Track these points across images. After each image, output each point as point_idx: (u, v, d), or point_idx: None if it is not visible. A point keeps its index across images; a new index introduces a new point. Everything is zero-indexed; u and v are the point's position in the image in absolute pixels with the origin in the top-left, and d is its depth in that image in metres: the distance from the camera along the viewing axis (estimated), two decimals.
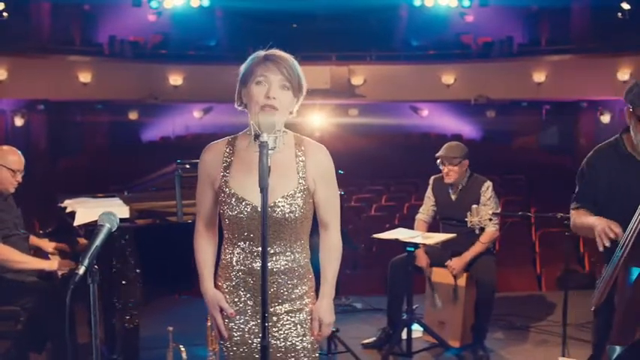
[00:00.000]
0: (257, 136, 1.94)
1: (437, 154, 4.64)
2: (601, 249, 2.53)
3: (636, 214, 2.49)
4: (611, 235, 2.51)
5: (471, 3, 16.50)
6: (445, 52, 17.27)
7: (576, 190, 2.91)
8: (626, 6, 14.61)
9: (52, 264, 3.74)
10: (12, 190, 3.84)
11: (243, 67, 2.16)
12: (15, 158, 3.81)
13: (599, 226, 2.56)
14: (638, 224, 2.47)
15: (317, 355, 2.26)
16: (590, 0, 16.26)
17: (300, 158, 2.16)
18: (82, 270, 1.73)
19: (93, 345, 1.72)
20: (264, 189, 1.89)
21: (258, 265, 2.12)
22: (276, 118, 2.04)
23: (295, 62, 2.15)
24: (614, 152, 2.80)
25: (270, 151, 1.91)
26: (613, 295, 2.53)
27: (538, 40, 17.91)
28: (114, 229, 1.84)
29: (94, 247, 1.78)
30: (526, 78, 15.68)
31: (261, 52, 2.15)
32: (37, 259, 3.81)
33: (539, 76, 15.67)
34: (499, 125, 17.87)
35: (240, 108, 2.19)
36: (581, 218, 2.80)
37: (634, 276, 2.45)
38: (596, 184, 2.81)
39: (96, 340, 1.72)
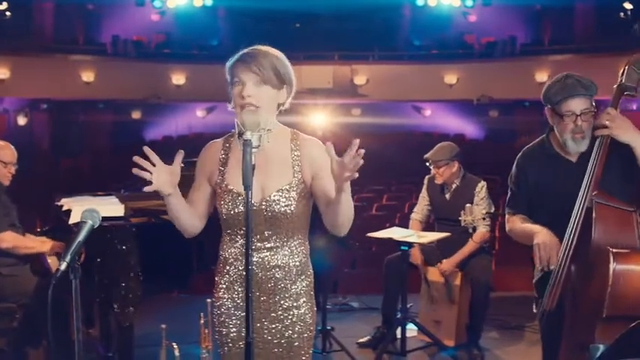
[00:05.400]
0: (240, 134, 1.95)
1: (424, 156, 4.64)
2: (539, 267, 2.55)
3: (574, 214, 2.48)
4: (550, 267, 2.51)
5: (474, 3, 16.48)
6: (448, 52, 17.27)
7: (509, 194, 2.88)
8: (629, 6, 14.58)
9: (45, 245, 3.85)
10: (7, 183, 3.91)
11: (226, 69, 2.18)
12: (7, 152, 3.92)
13: (541, 241, 2.52)
14: (577, 224, 2.46)
15: (311, 352, 2.28)
16: (593, 0, 16.24)
17: (296, 153, 2.17)
18: (63, 266, 1.75)
19: (75, 339, 1.74)
20: (247, 187, 1.90)
21: (255, 259, 2.14)
22: (261, 115, 2.05)
23: (271, 55, 2.14)
24: (541, 152, 2.77)
25: (254, 149, 1.91)
26: (563, 298, 2.53)
27: (541, 39, 17.88)
28: (96, 226, 1.86)
29: (75, 243, 1.80)
30: (529, 78, 15.64)
31: (243, 51, 2.16)
32: (38, 242, 3.90)
33: (541, 76, 15.62)
34: (502, 125, 17.85)
35: (231, 109, 2.21)
36: (519, 224, 2.76)
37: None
38: (526, 185, 2.77)
39: (79, 334, 1.74)
